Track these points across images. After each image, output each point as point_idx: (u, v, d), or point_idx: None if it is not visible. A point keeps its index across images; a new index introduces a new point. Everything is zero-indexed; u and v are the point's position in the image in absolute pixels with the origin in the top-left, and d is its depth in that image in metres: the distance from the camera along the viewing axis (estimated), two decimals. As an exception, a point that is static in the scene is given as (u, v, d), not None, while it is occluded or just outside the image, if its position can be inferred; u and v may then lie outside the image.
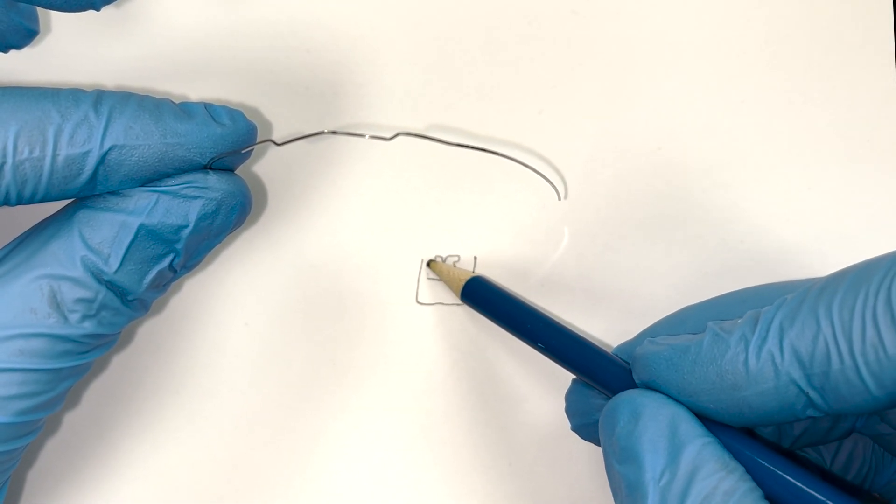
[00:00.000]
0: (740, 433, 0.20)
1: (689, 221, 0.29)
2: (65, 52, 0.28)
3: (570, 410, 0.25)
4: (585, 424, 0.25)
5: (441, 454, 0.28)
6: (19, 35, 0.23)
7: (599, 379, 0.23)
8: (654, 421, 0.20)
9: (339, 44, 0.29)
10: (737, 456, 0.19)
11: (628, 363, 0.23)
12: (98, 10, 0.22)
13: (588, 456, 0.28)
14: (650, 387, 0.21)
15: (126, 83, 0.28)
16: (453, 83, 0.29)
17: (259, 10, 0.29)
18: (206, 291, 0.28)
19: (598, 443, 0.24)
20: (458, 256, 0.29)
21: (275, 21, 0.29)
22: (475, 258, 0.29)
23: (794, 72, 0.29)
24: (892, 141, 0.29)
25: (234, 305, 0.28)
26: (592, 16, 0.29)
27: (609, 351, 0.24)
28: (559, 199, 0.28)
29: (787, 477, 0.19)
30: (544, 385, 0.28)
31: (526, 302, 0.26)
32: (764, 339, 0.19)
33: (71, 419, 0.29)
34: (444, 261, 0.29)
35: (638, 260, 0.29)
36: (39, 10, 0.24)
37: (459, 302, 0.29)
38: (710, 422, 0.20)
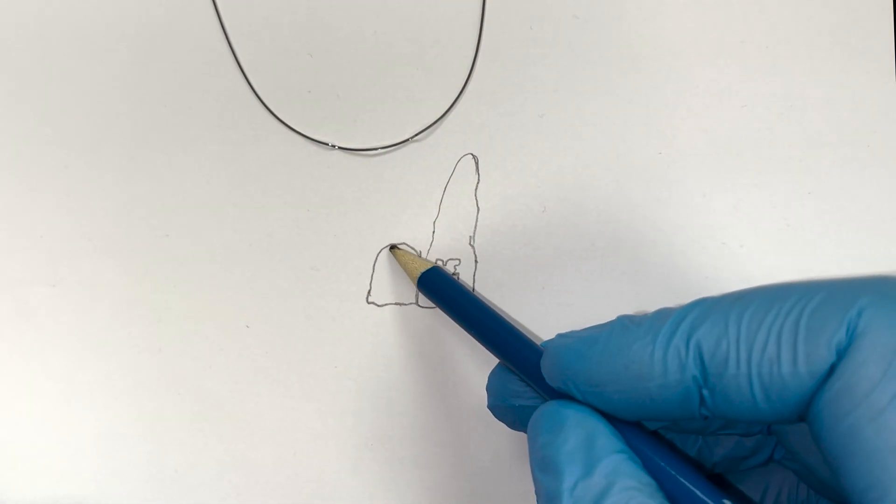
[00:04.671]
0: (661, 446, 0.20)
1: (689, 225, 0.29)
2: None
3: (490, 389, 0.25)
4: (499, 406, 0.25)
5: (443, 454, 0.29)
6: None
7: (520, 365, 0.23)
8: (574, 433, 0.20)
9: (342, 47, 0.29)
10: (652, 468, 0.20)
11: None
12: None
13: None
14: (562, 387, 0.21)
15: (130, 94, 0.29)
16: (454, 86, 0.29)
17: (261, 12, 0.29)
18: (207, 294, 0.29)
19: (509, 424, 0.25)
20: (459, 260, 0.29)
21: (277, 24, 0.29)
22: (476, 263, 0.29)
23: (795, 76, 0.29)
24: (892, 146, 0.29)
25: (236, 308, 0.29)
26: (593, 20, 0.29)
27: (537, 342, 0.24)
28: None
29: (697, 492, 0.19)
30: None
31: (470, 292, 0.27)
32: (672, 334, 0.19)
33: (73, 420, 0.29)
34: (444, 263, 0.29)
35: (638, 264, 0.29)
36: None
37: (460, 305, 0.29)
38: (622, 423, 0.21)
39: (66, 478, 0.29)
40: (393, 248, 0.29)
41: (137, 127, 0.29)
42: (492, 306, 0.26)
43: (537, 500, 0.20)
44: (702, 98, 0.29)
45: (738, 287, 0.29)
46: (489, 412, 0.29)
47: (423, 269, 0.27)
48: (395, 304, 0.29)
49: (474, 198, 0.29)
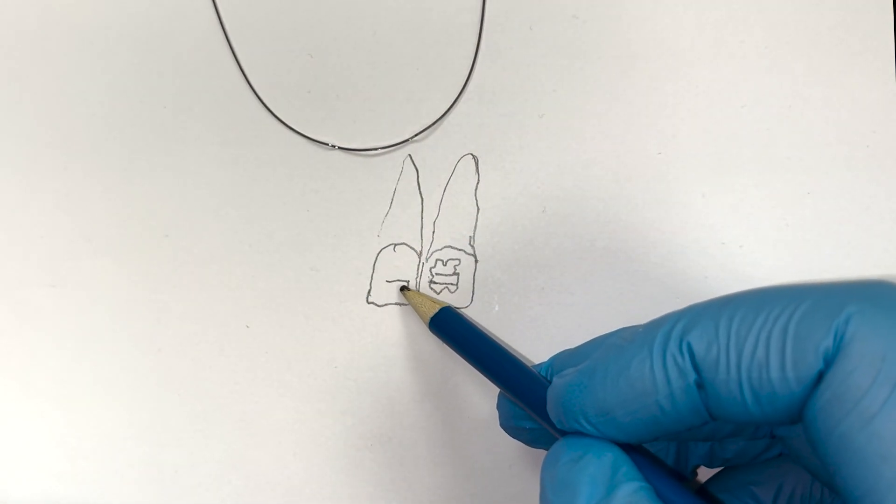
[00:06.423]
0: (680, 486, 0.20)
1: (689, 225, 0.29)
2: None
3: (500, 408, 0.25)
4: (509, 427, 0.25)
5: (443, 454, 0.29)
6: None
7: (533, 405, 0.23)
8: (597, 459, 0.20)
9: (342, 47, 0.29)
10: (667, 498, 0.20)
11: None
12: None
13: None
14: (575, 426, 0.21)
15: (130, 94, 0.29)
16: (454, 86, 0.29)
17: (261, 12, 0.29)
18: (207, 294, 0.29)
19: (524, 442, 0.25)
20: (459, 260, 0.29)
21: (277, 24, 0.29)
22: (476, 263, 0.29)
23: (794, 76, 0.29)
24: (891, 146, 0.29)
25: (236, 308, 0.29)
26: (593, 20, 0.29)
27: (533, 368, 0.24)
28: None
29: None
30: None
31: (482, 331, 0.26)
32: (666, 342, 0.19)
33: (73, 420, 0.29)
34: (444, 264, 0.29)
35: (638, 264, 0.29)
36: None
37: (460, 306, 0.29)
38: (633, 449, 0.20)
39: (66, 478, 0.29)
40: (404, 289, 0.29)
41: (137, 127, 0.29)
42: (502, 344, 0.26)
43: None
44: (702, 98, 0.29)
45: (737, 288, 0.29)
46: (489, 413, 0.29)
47: (433, 312, 0.27)
48: (395, 304, 0.29)
49: (474, 198, 0.29)
